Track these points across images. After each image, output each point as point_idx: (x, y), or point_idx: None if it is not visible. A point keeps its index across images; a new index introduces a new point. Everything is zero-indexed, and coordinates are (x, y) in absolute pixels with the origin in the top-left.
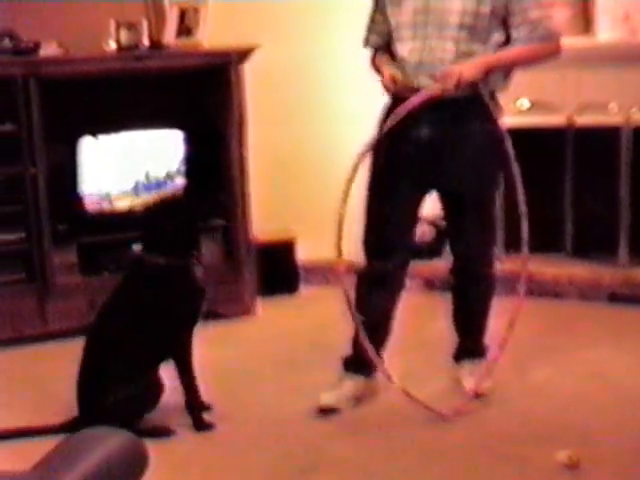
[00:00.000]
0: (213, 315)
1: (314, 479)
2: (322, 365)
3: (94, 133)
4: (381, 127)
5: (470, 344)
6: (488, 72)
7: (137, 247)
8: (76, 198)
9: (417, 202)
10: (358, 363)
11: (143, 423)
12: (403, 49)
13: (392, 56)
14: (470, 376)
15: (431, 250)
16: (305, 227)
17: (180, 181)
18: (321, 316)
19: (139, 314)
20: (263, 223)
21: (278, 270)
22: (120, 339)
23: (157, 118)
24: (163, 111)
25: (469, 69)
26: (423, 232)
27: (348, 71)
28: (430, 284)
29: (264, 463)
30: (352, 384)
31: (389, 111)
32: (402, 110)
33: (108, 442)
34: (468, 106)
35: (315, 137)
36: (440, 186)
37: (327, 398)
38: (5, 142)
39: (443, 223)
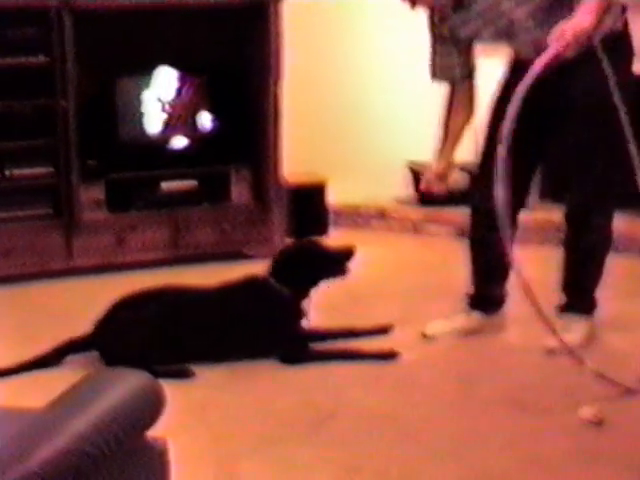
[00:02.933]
0: (240, 256)
1: (331, 426)
2: (346, 308)
3: (128, 69)
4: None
5: (574, 298)
6: (601, 14)
7: (167, 185)
8: (106, 134)
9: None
10: (480, 300)
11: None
12: None
13: None
14: (564, 331)
15: (463, 197)
16: (337, 170)
17: (211, 121)
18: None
19: (236, 317)
20: (295, 165)
21: (308, 212)
22: (204, 319)
23: (191, 56)
24: (197, 49)
25: (580, 18)
26: (456, 179)
27: (388, 11)
28: (461, 231)
29: (282, 409)
30: (465, 319)
31: (512, 79)
32: (528, 78)
33: (124, 383)
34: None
35: (351, 79)
36: (566, 131)
37: (432, 327)
38: (37, 74)
39: (475, 169)
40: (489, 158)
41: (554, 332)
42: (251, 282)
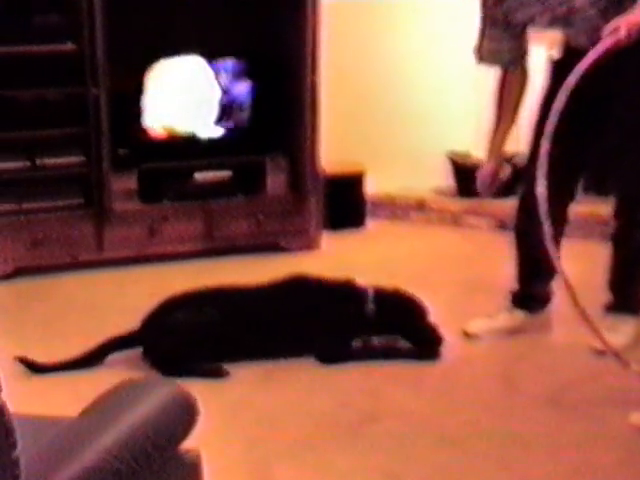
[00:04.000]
0: (275, 248)
1: (370, 430)
2: None
3: (160, 57)
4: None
5: (621, 298)
6: None
7: (200, 176)
8: (139, 122)
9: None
10: (524, 298)
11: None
12: None
13: None
14: (609, 332)
15: (506, 188)
16: (375, 159)
17: (248, 110)
18: (387, 251)
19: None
20: (332, 154)
21: (345, 203)
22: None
23: (225, 43)
24: (232, 35)
25: (637, 14)
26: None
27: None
28: (502, 224)
29: (319, 411)
30: (508, 318)
31: (564, 68)
32: (578, 71)
33: (156, 395)
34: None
35: (391, 67)
36: (615, 122)
37: (474, 325)
38: (67, 62)
39: (520, 161)
40: (538, 150)
41: (597, 333)
42: (346, 286)
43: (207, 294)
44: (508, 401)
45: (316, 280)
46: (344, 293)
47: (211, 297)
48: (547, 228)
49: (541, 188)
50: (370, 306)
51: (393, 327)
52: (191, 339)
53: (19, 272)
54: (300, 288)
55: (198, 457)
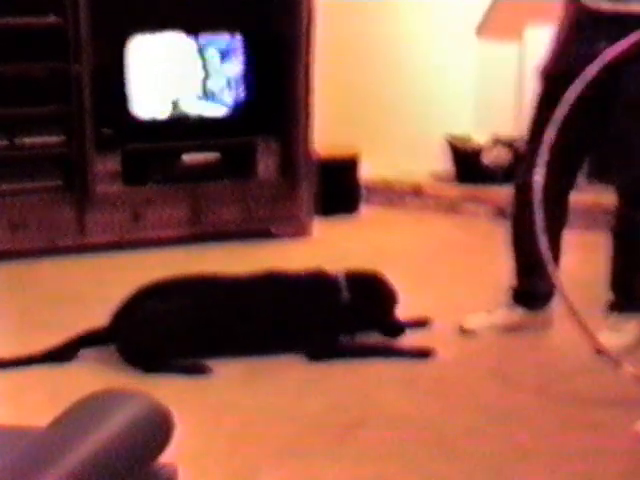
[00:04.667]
0: (265, 235)
1: (360, 434)
2: None
3: (145, 32)
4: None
5: (624, 296)
6: None
7: (187, 157)
8: (123, 101)
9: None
10: (524, 295)
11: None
12: None
13: None
14: (611, 331)
15: (506, 174)
16: (370, 143)
17: (238, 89)
18: (381, 239)
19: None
20: (326, 137)
21: (338, 188)
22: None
23: (215, 18)
24: (222, 10)
25: None
26: (498, 155)
27: None
28: (502, 211)
29: (306, 414)
30: (506, 314)
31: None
32: (609, 55)
33: (128, 408)
34: None
35: (386, 48)
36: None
37: (470, 321)
38: (49, 35)
39: (521, 145)
40: (540, 133)
41: (589, 333)
42: (317, 276)
43: (179, 283)
44: (507, 404)
45: (288, 273)
46: (318, 284)
47: (184, 286)
48: (540, 219)
49: (538, 177)
50: (345, 294)
51: (368, 313)
52: (164, 331)
53: None
54: (275, 280)
55: (174, 472)
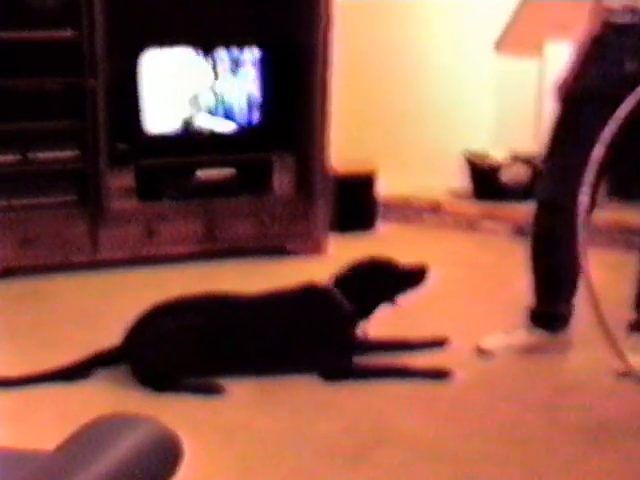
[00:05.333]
0: (280, 251)
1: (375, 457)
2: (393, 315)
3: (160, 46)
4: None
5: None
6: None
7: (202, 173)
8: (138, 116)
9: None
10: (544, 317)
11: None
12: None
13: None
14: (633, 352)
15: (524, 191)
16: (387, 159)
17: (254, 105)
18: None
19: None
20: (343, 153)
21: (355, 205)
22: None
23: (231, 33)
24: (237, 25)
25: None
26: (517, 172)
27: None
28: (521, 229)
29: (319, 436)
30: (524, 336)
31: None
32: None
33: (138, 431)
34: None
35: (404, 63)
36: None
37: (488, 342)
38: (64, 49)
39: (539, 162)
40: (564, 147)
41: (619, 354)
42: (309, 291)
43: (191, 302)
44: (524, 427)
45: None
46: (318, 301)
47: (196, 305)
48: (583, 238)
49: (584, 196)
50: (344, 302)
51: (376, 300)
52: (176, 351)
53: (7, 273)
54: (284, 300)
55: None
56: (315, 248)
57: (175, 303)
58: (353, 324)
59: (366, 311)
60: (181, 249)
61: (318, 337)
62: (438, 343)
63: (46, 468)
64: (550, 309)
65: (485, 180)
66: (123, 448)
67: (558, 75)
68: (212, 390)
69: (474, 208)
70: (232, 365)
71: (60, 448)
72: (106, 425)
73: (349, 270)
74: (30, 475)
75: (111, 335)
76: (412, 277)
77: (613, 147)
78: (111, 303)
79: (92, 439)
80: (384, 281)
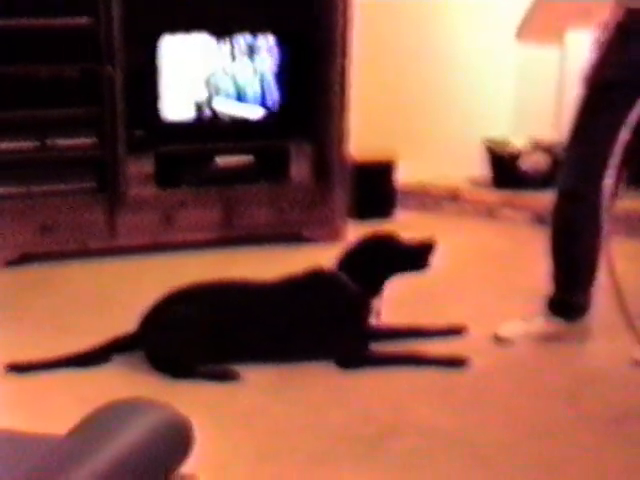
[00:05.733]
0: (298, 238)
1: (391, 445)
2: (412, 302)
3: (177, 33)
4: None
5: None
6: None
7: (221, 160)
8: (156, 103)
9: None
10: (562, 305)
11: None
12: None
13: None
14: None
15: (544, 180)
16: (406, 146)
17: (273, 92)
18: None
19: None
20: (361, 140)
21: (374, 192)
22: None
23: (249, 19)
24: (256, 11)
25: None
26: (537, 160)
27: None
28: (541, 217)
29: (336, 423)
30: (543, 324)
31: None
32: None
33: (150, 416)
34: None
35: (423, 50)
36: None
37: (506, 329)
38: (81, 37)
39: (560, 150)
40: (588, 135)
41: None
42: (316, 276)
43: (207, 289)
44: (541, 416)
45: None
46: (324, 286)
47: (212, 292)
48: (606, 224)
49: (609, 179)
50: (350, 285)
51: (382, 276)
52: (192, 337)
53: (25, 259)
54: (300, 286)
55: None
56: (333, 235)
57: (189, 290)
58: (362, 306)
59: (374, 289)
60: (199, 236)
61: (328, 323)
62: (456, 331)
63: (58, 452)
64: (569, 298)
65: (505, 168)
66: (134, 433)
67: (583, 65)
68: (228, 376)
69: (494, 196)
70: (246, 352)
71: (72, 432)
72: (117, 410)
73: (352, 250)
74: (42, 459)
75: (128, 322)
76: (418, 253)
77: (637, 134)
78: (129, 290)
79: (103, 424)
80: (388, 256)
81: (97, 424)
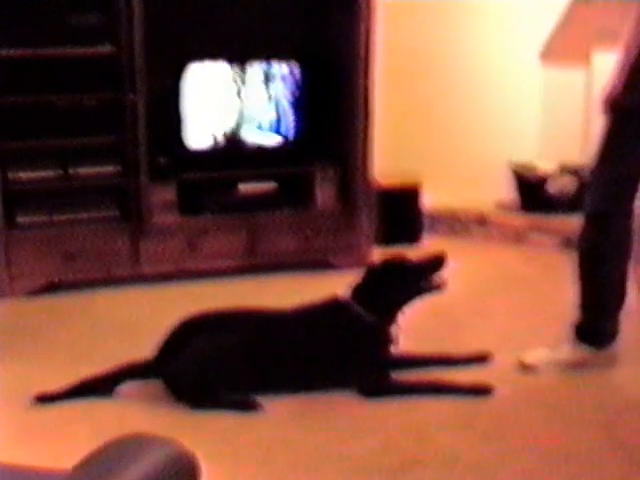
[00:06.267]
0: (323, 265)
1: (414, 476)
2: (435, 329)
3: (200, 60)
4: None
5: None
6: None
7: (244, 187)
8: (178, 130)
9: None
10: (590, 332)
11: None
12: None
13: None
14: None
15: (572, 203)
16: (432, 171)
17: (295, 117)
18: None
19: (319, 347)
20: (386, 165)
21: (400, 217)
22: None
23: (271, 46)
24: (277, 38)
25: None
26: (564, 183)
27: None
28: (569, 242)
29: (358, 453)
30: (570, 351)
31: None
32: None
33: (156, 453)
34: None
35: (448, 74)
36: None
37: (532, 357)
38: (103, 65)
39: (587, 173)
40: (614, 159)
41: None
42: (331, 306)
43: (225, 316)
44: (567, 445)
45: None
46: (338, 316)
47: (231, 319)
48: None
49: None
50: (366, 315)
51: (396, 302)
52: (212, 366)
53: (49, 287)
54: (319, 315)
55: None
56: (359, 261)
57: (208, 317)
58: (379, 334)
59: (389, 316)
60: (223, 263)
61: (345, 352)
62: (480, 358)
63: None
64: (596, 324)
65: (532, 192)
66: (140, 469)
67: (604, 86)
68: (249, 407)
69: (521, 220)
70: (269, 382)
71: (77, 468)
72: (123, 446)
73: (362, 279)
74: None
75: (153, 350)
76: (429, 267)
77: None
78: (153, 317)
79: (108, 460)
80: (400, 280)
81: (102, 460)
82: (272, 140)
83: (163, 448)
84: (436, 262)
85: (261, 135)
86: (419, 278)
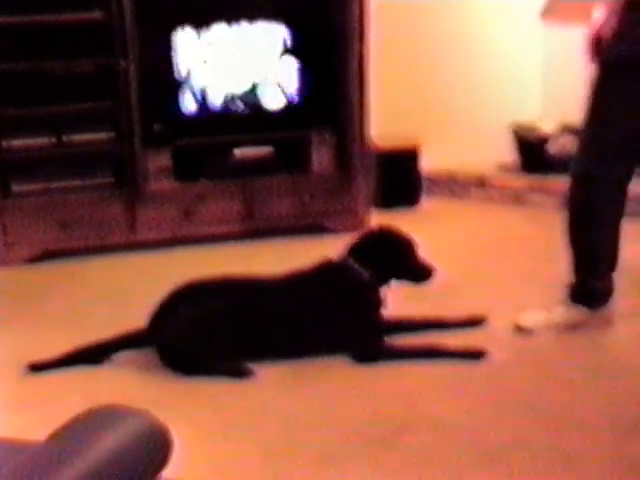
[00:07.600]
0: (320, 229)
1: (405, 441)
2: (432, 291)
3: (194, 24)
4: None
5: None
6: None
7: (240, 152)
8: (173, 96)
9: None
10: (583, 293)
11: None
12: None
13: None
14: None
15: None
16: (431, 133)
17: (291, 82)
18: (442, 232)
19: (313, 305)
20: (384, 128)
21: (398, 180)
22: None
23: (267, 10)
24: (274, 2)
25: None
26: (565, 143)
27: None
28: None
29: (349, 419)
30: (565, 312)
31: None
32: None
33: (128, 423)
34: None
35: (447, 32)
36: None
37: (528, 318)
38: (94, 31)
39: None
40: (603, 115)
41: None
42: (325, 268)
43: (216, 284)
44: (560, 409)
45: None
46: (336, 277)
47: (221, 287)
48: None
49: None
50: (363, 272)
51: (391, 272)
52: (204, 334)
53: (46, 255)
54: (311, 280)
55: None
56: (356, 225)
57: (200, 285)
58: (373, 293)
59: (384, 278)
60: (220, 229)
61: (340, 313)
62: (475, 322)
63: (36, 459)
64: (590, 285)
65: (533, 153)
66: (112, 440)
67: (589, 31)
68: (241, 373)
69: (521, 181)
70: (259, 348)
71: (50, 439)
72: (96, 417)
73: (366, 237)
74: (20, 466)
75: (145, 313)
76: (421, 267)
77: None
78: (149, 284)
79: (82, 431)
80: (396, 249)
81: (74, 431)
82: (268, 104)
83: (135, 420)
84: (427, 269)
85: (257, 99)
86: (412, 259)
